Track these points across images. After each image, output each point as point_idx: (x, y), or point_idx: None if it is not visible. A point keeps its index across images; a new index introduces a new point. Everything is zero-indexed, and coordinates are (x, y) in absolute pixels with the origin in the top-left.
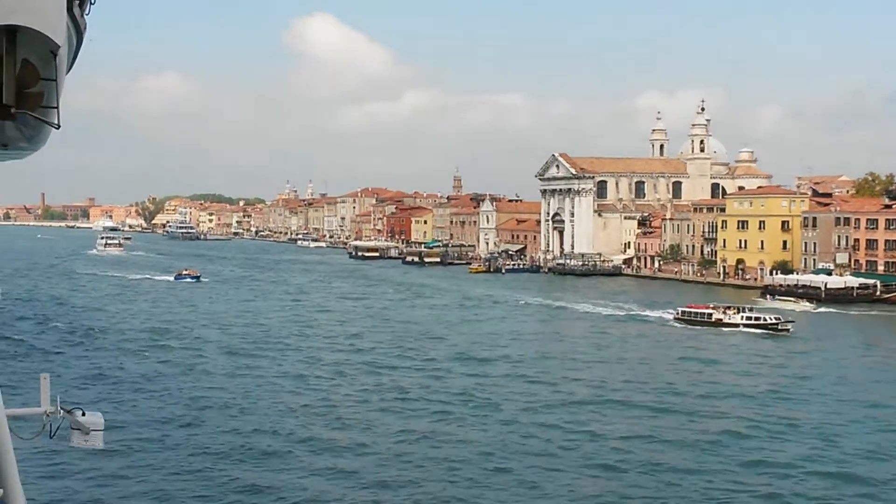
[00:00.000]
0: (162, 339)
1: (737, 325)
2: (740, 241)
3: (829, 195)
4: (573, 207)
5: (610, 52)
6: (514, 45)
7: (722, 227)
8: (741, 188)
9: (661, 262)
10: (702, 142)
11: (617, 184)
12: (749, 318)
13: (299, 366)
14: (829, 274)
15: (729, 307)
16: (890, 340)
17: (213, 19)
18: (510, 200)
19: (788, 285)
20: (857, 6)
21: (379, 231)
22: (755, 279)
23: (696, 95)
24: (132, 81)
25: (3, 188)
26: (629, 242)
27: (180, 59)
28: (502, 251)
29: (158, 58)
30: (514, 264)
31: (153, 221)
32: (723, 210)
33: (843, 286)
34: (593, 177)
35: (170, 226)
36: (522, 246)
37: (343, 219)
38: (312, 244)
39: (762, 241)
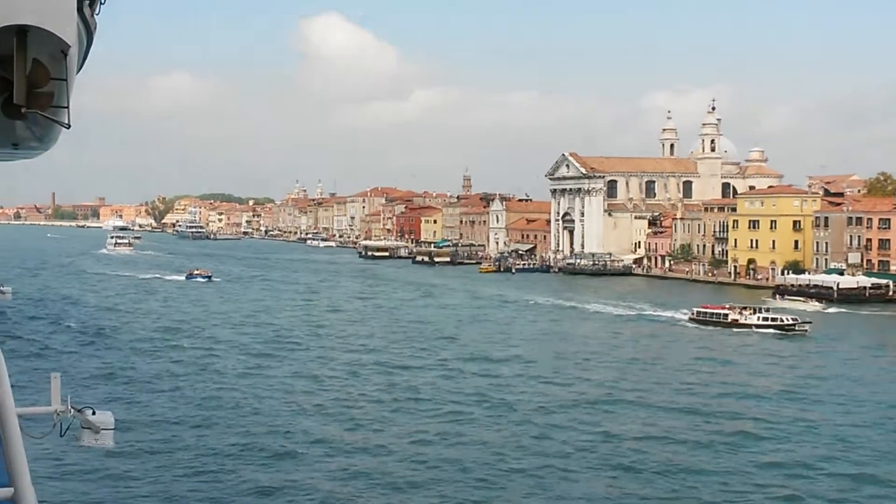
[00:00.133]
0: (174, 339)
1: (753, 326)
2: (751, 240)
3: (841, 195)
4: (583, 207)
5: (619, 51)
6: (524, 44)
7: (733, 227)
8: (752, 188)
9: (672, 262)
10: (712, 141)
11: (627, 183)
12: (765, 319)
13: (311, 365)
14: (842, 274)
15: (745, 308)
16: None
17: (222, 19)
18: (520, 200)
19: (800, 285)
20: (867, 4)
21: (388, 231)
22: (767, 279)
23: (706, 95)
24: (142, 81)
25: (14, 188)
26: (639, 242)
27: (190, 58)
28: (512, 251)
29: (168, 57)
30: (524, 264)
31: (163, 221)
32: (734, 210)
33: (855, 286)
34: (603, 176)
35: (179, 225)
36: (532, 246)
37: (352, 218)
38: (322, 244)
39: (773, 241)
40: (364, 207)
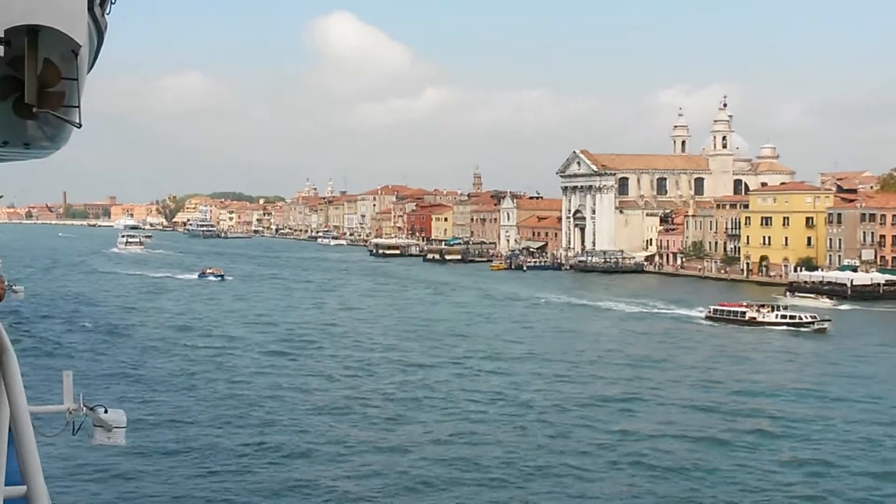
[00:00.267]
0: (187, 338)
1: (771, 324)
2: (764, 237)
3: (854, 191)
4: (594, 204)
5: (629, 49)
6: (534, 42)
7: (745, 224)
8: (764, 184)
9: (684, 259)
10: (724, 138)
11: (638, 180)
12: (784, 317)
13: (325, 363)
14: (855, 270)
15: (763, 305)
16: None
17: (233, 18)
18: (531, 198)
19: (813, 282)
20: (878, 2)
21: (399, 228)
22: (779, 276)
23: (717, 92)
24: (153, 81)
25: (26, 187)
26: (651, 239)
27: (201, 58)
28: (523, 248)
29: (179, 57)
30: (535, 261)
31: (174, 220)
32: (746, 206)
33: (869, 283)
34: (615, 173)
35: (190, 224)
36: (543, 243)
37: (363, 216)
38: (333, 242)
39: (786, 238)
40: (375, 205)
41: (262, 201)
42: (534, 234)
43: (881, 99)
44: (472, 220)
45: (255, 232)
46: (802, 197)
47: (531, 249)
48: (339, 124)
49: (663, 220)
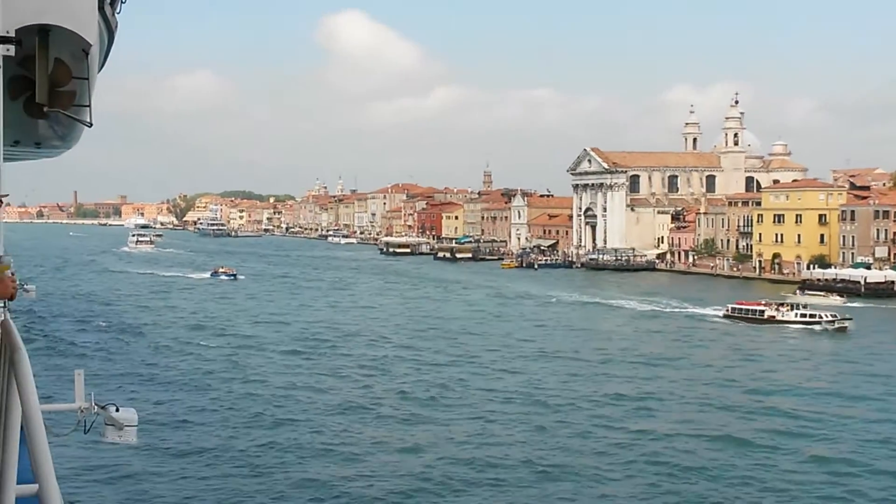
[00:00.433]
0: (200, 337)
1: (791, 323)
2: (776, 235)
3: (867, 188)
4: (605, 202)
5: (639, 47)
6: (544, 40)
7: (758, 221)
8: (776, 181)
9: (696, 257)
10: (735, 135)
11: (650, 178)
12: (803, 316)
13: (338, 362)
14: (868, 268)
15: (782, 304)
16: None
17: (243, 17)
18: (541, 195)
19: (827, 280)
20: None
21: (409, 227)
22: (792, 274)
23: (727, 89)
24: (163, 80)
25: (37, 186)
26: (662, 237)
27: (210, 57)
28: (534, 246)
29: (189, 57)
30: (546, 259)
31: (184, 219)
32: (758, 204)
33: (882, 280)
34: (625, 171)
35: (201, 223)
36: (554, 241)
37: (373, 215)
38: (343, 240)
39: (799, 235)
40: (385, 204)
41: (272, 200)
42: (545, 232)
43: (881, 99)
44: (482, 218)
45: (266, 231)
46: (815, 194)
47: (542, 247)
48: (349, 123)
49: (675, 218)
